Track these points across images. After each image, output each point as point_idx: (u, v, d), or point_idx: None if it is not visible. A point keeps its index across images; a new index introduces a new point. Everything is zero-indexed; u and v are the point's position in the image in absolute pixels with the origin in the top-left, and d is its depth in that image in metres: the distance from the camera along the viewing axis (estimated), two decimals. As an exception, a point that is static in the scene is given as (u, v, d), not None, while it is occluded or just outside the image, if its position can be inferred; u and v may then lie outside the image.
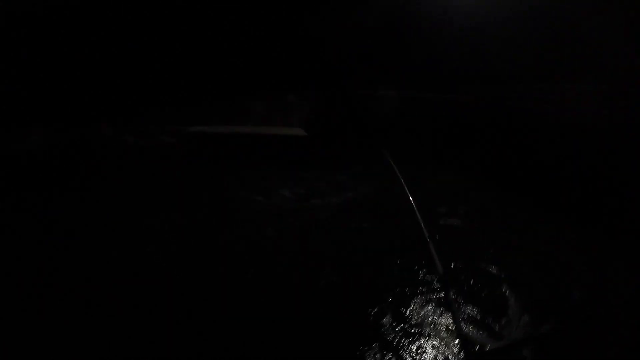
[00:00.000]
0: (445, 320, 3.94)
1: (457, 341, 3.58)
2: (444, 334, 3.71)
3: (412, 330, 3.78)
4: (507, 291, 4.46)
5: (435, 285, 4.59)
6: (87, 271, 4.79)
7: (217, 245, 5.65)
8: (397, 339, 3.64)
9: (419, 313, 4.08)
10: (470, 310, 4.10)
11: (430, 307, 4.18)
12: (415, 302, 4.26)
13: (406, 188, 2.85)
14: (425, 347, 3.52)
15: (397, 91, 12.58)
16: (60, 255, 5.18)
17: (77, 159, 10.12)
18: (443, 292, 4.39)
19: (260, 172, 10.09)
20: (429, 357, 3.40)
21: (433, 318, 3.98)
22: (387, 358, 3.38)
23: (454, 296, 4.33)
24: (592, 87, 8.25)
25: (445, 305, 4.15)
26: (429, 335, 3.70)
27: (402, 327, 3.82)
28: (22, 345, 3.40)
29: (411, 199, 2.59)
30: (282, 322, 3.91)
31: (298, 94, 12.98)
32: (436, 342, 3.60)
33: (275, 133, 11.71)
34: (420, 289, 4.54)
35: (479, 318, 3.95)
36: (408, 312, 4.10)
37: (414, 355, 3.43)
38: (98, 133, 11.41)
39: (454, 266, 5.07)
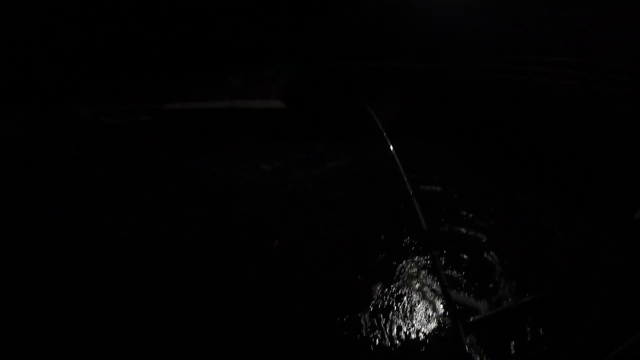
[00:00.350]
0: (432, 283, 4.15)
1: (444, 305, 3.78)
2: (431, 298, 3.92)
3: (402, 296, 3.99)
4: (488, 255, 4.71)
5: (421, 248, 4.79)
6: (70, 259, 4.72)
7: (201, 227, 5.62)
8: (388, 305, 3.85)
9: (406, 278, 4.28)
10: (454, 273, 4.33)
11: (417, 271, 4.39)
12: (403, 267, 4.46)
13: (390, 145, 2.88)
14: (415, 312, 3.73)
15: (378, 62, 12.51)
16: (44, 243, 5.07)
17: (54, 144, 9.70)
18: (428, 256, 4.56)
19: (240, 147, 9.92)
20: (419, 322, 3.60)
21: (421, 282, 4.20)
22: (379, 324, 3.57)
23: (439, 259, 4.51)
24: (569, 60, 8.38)
25: (431, 268, 4.35)
26: (418, 300, 3.92)
27: (392, 293, 4.03)
28: (18, 343, 3.39)
29: (395, 156, 2.63)
30: (271, 298, 4.02)
31: (276, 66, 12.70)
32: (425, 306, 3.82)
33: (253, 106, 11.51)
34: (406, 252, 4.74)
35: (462, 281, 4.18)
36: (396, 277, 4.30)
37: (405, 319, 3.64)
38: (74, 116, 10.93)
39: (436, 230, 5.28)
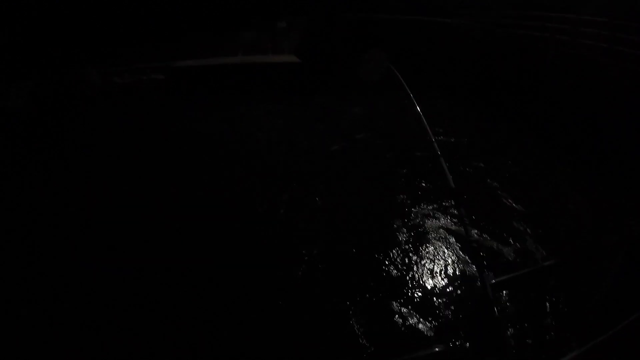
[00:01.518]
0: (458, 237, 4.40)
1: (470, 260, 4.04)
2: (457, 252, 4.19)
3: (429, 250, 4.29)
4: (508, 211, 4.93)
5: (446, 203, 5.05)
6: (76, 221, 4.93)
7: (208, 184, 5.78)
8: (415, 262, 4.13)
9: (430, 231, 4.54)
10: (479, 228, 4.59)
11: (441, 224, 4.65)
12: (429, 223, 4.75)
13: (415, 103, 2.93)
14: (443, 268, 4.02)
15: (390, 15, 12.18)
16: (54, 217, 5.17)
17: (65, 110, 9.63)
18: (454, 211, 4.79)
19: (252, 103, 9.81)
20: (445, 277, 3.90)
21: (446, 235, 4.46)
22: (404, 278, 3.86)
23: (463, 215, 4.71)
24: (591, 19, 8.11)
25: (458, 224, 4.59)
26: (444, 256, 4.20)
27: (419, 249, 4.33)
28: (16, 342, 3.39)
29: (420, 113, 2.69)
30: (287, 250, 4.27)
31: (289, 19, 12.35)
32: (450, 260, 4.12)
33: (266, 61, 11.35)
34: (431, 208, 4.99)
35: (488, 238, 4.44)
36: (420, 230, 4.60)
37: (432, 276, 3.93)
38: (85, 79, 10.77)
39: (456, 188, 5.43)
